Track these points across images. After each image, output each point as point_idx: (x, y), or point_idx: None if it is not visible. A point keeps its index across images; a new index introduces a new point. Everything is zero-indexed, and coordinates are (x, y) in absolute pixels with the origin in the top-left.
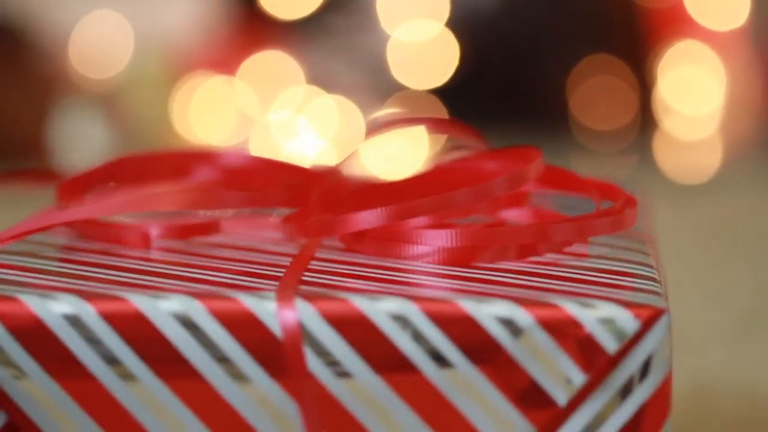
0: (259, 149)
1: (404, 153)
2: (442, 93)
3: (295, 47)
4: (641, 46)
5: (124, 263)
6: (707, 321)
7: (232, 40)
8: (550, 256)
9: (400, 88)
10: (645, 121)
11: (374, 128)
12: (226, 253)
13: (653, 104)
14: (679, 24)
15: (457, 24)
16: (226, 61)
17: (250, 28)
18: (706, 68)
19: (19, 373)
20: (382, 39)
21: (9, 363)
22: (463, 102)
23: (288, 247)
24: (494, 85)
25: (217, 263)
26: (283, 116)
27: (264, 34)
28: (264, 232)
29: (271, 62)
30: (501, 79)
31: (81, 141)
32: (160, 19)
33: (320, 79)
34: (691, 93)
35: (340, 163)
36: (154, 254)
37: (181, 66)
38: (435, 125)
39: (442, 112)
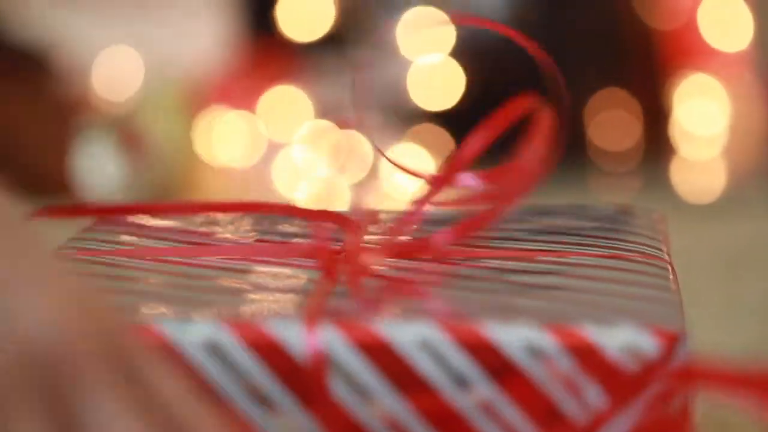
0: (282, 176)
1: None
2: (449, 120)
3: (308, 80)
4: (654, 75)
5: (149, 288)
6: (718, 343)
7: (250, 73)
8: (573, 279)
9: (414, 117)
10: (658, 145)
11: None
12: (252, 278)
13: (668, 129)
14: (692, 47)
15: (462, 54)
16: (244, 96)
17: (268, 59)
18: (716, 91)
19: None
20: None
21: None
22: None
23: (312, 272)
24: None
25: (243, 288)
26: (299, 149)
27: (281, 65)
28: (290, 259)
29: (287, 97)
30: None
31: (101, 172)
32: (179, 50)
33: (333, 112)
34: (701, 114)
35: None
36: (177, 279)
37: (200, 99)
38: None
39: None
